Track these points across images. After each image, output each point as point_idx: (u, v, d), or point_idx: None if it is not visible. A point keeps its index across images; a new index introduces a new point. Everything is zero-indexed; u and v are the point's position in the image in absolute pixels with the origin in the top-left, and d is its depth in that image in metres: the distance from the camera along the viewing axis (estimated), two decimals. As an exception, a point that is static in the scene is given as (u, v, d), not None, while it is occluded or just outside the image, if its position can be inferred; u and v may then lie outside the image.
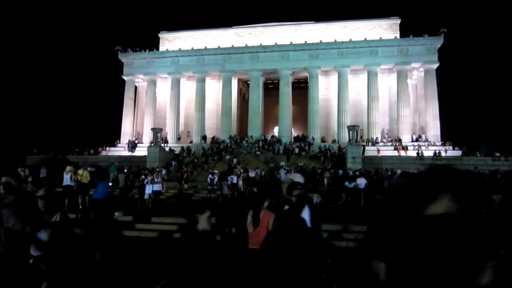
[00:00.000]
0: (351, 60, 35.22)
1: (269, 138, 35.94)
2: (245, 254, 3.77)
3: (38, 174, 19.98)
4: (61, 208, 3.53)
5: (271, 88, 43.05)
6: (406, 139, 33.37)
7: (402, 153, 29.83)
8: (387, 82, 36.69)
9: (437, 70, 34.72)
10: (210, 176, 17.60)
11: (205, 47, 38.44)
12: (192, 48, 38.78)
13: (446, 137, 33.55)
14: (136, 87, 41.58)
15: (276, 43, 37.10)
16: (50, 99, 59.34)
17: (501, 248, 1.26)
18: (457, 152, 29.74)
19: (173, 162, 28.20)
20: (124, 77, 40.16)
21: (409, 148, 30.60)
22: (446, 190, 1.44)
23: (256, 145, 32.53)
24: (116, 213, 12.15)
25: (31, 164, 25.39)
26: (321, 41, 36.19)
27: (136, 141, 37.28)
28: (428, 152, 28.81)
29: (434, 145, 31.71)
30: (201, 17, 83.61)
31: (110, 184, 15.19)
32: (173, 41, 41.25)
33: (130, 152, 34.02)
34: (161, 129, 31.46)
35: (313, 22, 39.61)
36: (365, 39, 35.59)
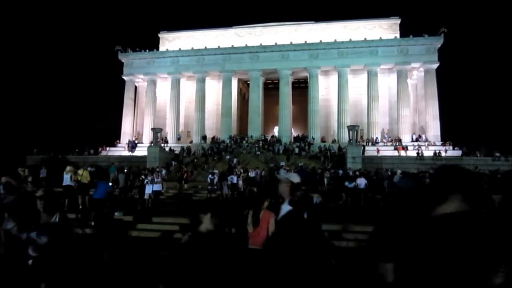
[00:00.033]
0: (351, 60, 35.21)
1: (269, 138, 35.94)
2: (245, 254, 3.76)
3: (38, 174, 19.96)
4: (60, 209, 3.53)
5: (271, 88, 43.05)
6: (406, 139, 33.37)
7: (402, 153, 29.83)
8: (387, 82, 36.69)
9: (437, 70, 34.72)
10: (210, 176, 17.60)
11: (205, 47, 38.44)
12: (192, 48, 38.78)
13: (446, 137, 33.57)
14: (136, 87, 41.58)
15: (276, 43, 37.09)
16: (50, 99, 59.38)
17: None
18: (457, 152, 29.74)
19: (173, 162, 28.20)
20: (124, 77, 40.16)
21: (409, 148, 30.60)
22: (458, 190, 1.44)
23: (256, 145, 32.53)
24: (116, 213, 12.13)
25: (31, 164, 25.39)
26: (321, 41, 36.18)
27: (136, 141, 37.29)
28: (428, 152, 28.81)
29: (434, 145, 31.71)
30: (201, 17, 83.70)
31: (110, 184, 15.18)
32: (173, 41, 41.26)
33: (130, 152, 34.03)
34: (161, 129, 31.47)
35: (313, 22, 39.61)
36: (365, 39, 35.58)
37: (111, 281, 2.10)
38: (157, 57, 39.21)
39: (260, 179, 20.50)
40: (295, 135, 37.18)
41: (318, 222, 3.48)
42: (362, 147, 28.73)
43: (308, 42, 36.35)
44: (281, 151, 30.68)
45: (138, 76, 40.30)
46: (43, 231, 3.10)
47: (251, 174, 20.48)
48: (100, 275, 2.15)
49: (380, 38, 35.73)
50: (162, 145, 32.16)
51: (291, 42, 36.81)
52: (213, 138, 36.24)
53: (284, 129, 35.98)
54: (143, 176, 15.58)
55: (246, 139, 34.87)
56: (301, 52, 35.98)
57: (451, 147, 31.10)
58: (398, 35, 36.76)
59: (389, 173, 19.63)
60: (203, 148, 32.68)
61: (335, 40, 36.23)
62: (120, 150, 35.67)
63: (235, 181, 17.63)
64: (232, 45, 38.20)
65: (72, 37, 78.74)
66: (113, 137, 39.20)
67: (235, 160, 26.84)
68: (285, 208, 3.41)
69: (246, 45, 37.78)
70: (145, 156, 28.66)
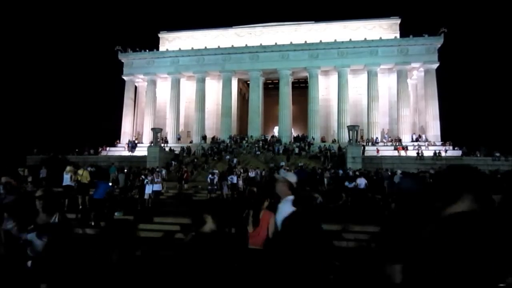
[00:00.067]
0: (351, 60, 35.22)
1: (269, 138, 35.94)
2: (245, 254, 3.76)
3: (38, 174, 19.98)
4: (60, 209, 3.52)
5: (271, 88, 43.05)
6: (406, 139, 33.38)
7: (402, 153, 29.83)
8: (387, 82, 36.70)
9: (437, 70, 34.72)
10: (210, 176, 17.60)
11: (205, 47, 38.45)
12: (192, 48, 38.79)
13: (446, 137, 33.58)
14: (136, 87, 41.59)
15: (276, 43, 37.10)
16: (50, 99, 59.38)
17: None
18: (457, 152, 29.74)
19: (173, 162, 28.20)
20: (124, 77, 40.17)
21: (409, 148, 30.60)
22: (470, 190, 1.44)
23: (256, 145, 32.53)
24: (116, 213, 12.15)
25: (31, 164, 25.41)
26: (321, 41, 36.18)
27: (136, 141, 37.30)
28: (428, 152, 28.81)
29: (434, 145, 31.71)
30: (201, 17, 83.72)
31: (110, 184, 15.19)
32: (173, 41, 41.26)
33: (130, 152, 34.03)
34: (161, 129, 31.47)
35: (313, 22, 39.61)
36: (365, 39, 35.59)
37: (120, 282, 2.10)
38: (157, 57, 39.22)
39: (260, 179, 20.49)
40: (295, 135, 37.18)
41: (319, 222, 3.47)
42: (362, 147, 28.73)
43: (308, 42, 36.36)
44: (281, 151, 30.68)
45: (138, 76, 40.30)
46: (43, 232, 3.10)
47: (251, 174, 20.47)
48: (108, 276, 2.14)
49: (380, 38, 35.73)
50: (162, 145, 32.16)
51: (291, 42, 36.81)
52: (213, 138, 36.25)
53: (284, 129, 35.99)
54: (143, 176, 15.59)
55: (246, 139, 34.88)
56: (301, 52, 35.98)
57: (451, 147, 31.10)
58: (398, 35, 36.77)
59: (389, 173, 19.63)
60: (203, 148, 32.68)
61: (335, 40, 36.24)
62: (120, 150, 35.67)
63: (235, 181, 17.62)
64: (232, 45, 38.20)
65: (72, 37, 78.81)
66: (113, 137, 39.23)
67: (235, 160, 26.84)
68: (283, 207, 3.39)
69: (246, 45, 37.78)
70: (145, 156, 28.66)
